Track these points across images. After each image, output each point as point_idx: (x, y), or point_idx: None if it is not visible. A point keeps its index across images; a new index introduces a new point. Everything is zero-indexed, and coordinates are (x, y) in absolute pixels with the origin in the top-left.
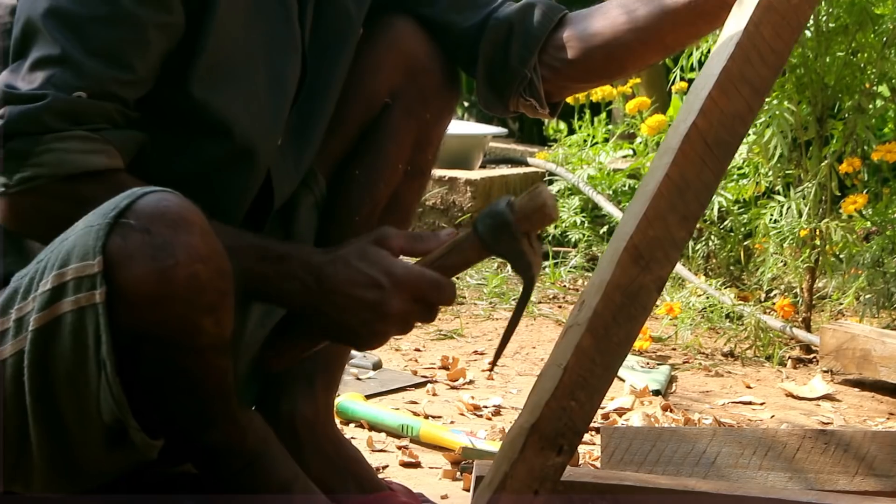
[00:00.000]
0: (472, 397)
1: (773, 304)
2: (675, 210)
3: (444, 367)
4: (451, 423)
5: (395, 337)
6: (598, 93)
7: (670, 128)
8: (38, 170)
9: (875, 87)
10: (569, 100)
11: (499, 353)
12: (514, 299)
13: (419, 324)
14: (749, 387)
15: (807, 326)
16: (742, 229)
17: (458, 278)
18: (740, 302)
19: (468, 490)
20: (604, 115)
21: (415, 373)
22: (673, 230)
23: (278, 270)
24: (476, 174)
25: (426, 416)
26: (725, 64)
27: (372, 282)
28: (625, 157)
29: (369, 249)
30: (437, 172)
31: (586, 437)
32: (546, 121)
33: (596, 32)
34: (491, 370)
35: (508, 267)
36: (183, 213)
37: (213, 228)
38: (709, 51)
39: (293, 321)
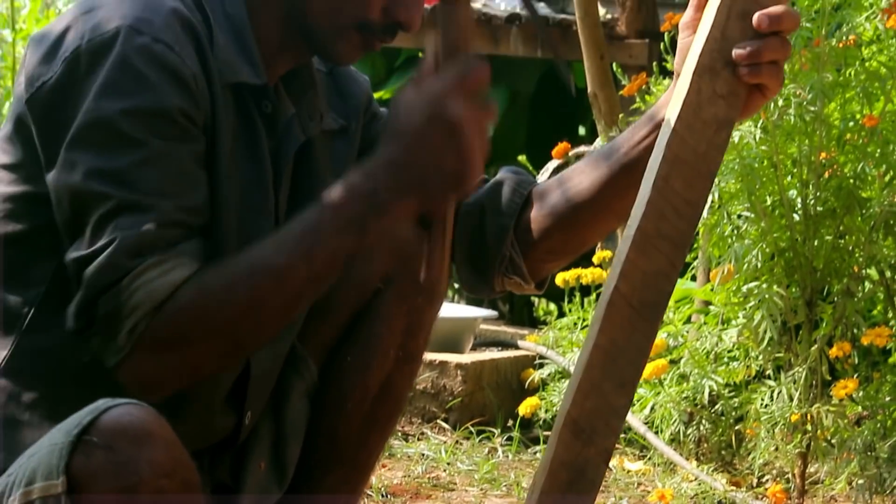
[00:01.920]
0: None
1: (766, 489)
2: (610, 378)
3: None
4: None
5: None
6: (588, 275)
7: (600, 295)
8: (135, 317)
9: (864, 271)
10: (558, 282)
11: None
12: (506, 486)
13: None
14: None
15: None
16: (733, 413)
17: (448, 464)
18: (732, 487)
19: None
20: (594, 296)
21: None
22: (611, 399)
23: (361, 200)
24: (467, 358)
25: None
26: (639, 223)
27: (428, 120)
28: None
29: (394, 108)
30: (428, 356)
31: None
32: (536, 303)
33: (554, 208)
34: None
35: (500, 451)
36: (146, 426)
37: (277, 241)
38: (697, 233)
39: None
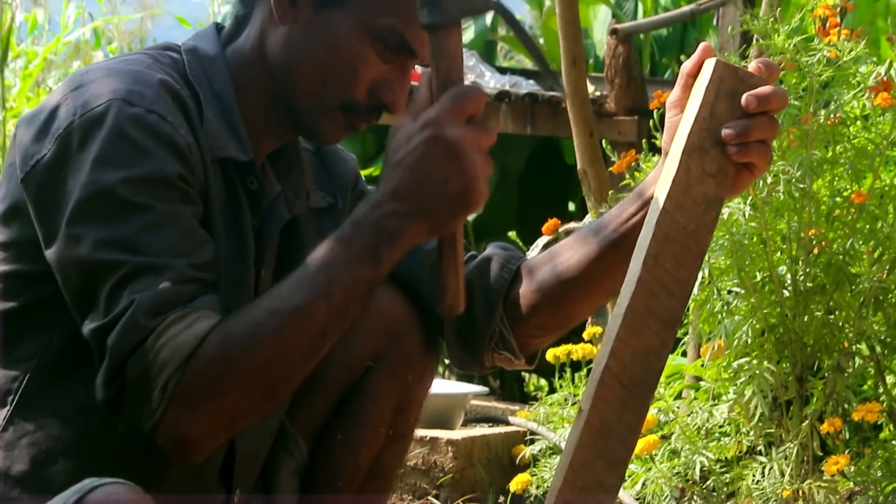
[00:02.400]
0: None
1: None
2: (601, 457)
3: None
4: None
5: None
6: (579, 351)
7: (591, 372)
8: (165, 374)
9: (854, 347)
10: (549, 358)
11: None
12: None
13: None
14: None
15: None
16: (725, 489)
17: None
18: None
19: None
20: (584, 372)
21: None
22: (602, 477)
23: (370, 231)
24: (457, 434)
25: None
26: (629, 302)
27: (426, 143)
28: None
29: (392, 142)
30: (419, 432)
31: None
32: (527, 378)
33: (542, 283)
34: None
35: None
36: None
37: (294, 282)
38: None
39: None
